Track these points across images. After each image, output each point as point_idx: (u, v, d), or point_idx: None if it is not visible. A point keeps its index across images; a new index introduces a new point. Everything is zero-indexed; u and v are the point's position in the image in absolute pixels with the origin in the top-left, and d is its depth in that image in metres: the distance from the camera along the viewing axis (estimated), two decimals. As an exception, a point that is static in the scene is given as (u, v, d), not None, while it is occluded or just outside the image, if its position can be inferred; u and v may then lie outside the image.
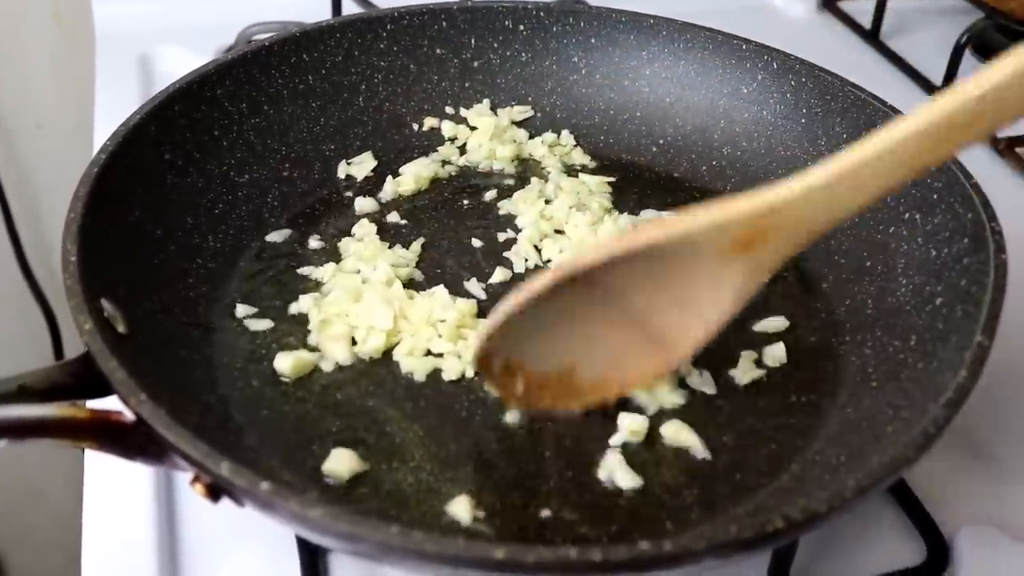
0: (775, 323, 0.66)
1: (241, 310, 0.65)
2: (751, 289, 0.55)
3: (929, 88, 0.99)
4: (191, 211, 0.67)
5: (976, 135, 0.48)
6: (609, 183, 0.77)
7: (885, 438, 0.54)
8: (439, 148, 0.79)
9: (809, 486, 0.55)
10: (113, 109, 0.85)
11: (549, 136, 0.81)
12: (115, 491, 0.59)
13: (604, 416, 0.59)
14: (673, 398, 0.60)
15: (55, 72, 1.17)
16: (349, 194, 0.75)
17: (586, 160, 0.80)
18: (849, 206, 0.51)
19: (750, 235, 0.52)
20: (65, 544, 1.27)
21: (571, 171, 0.78)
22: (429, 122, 0.81)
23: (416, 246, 0.71)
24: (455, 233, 0.72)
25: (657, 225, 0.53)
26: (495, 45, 0.81)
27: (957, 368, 0.51)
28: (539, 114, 0.82)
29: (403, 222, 0.73)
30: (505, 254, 0.71)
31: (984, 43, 1.00)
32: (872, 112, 0.70)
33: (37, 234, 1.25)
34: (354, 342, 0.63)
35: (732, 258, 0.53)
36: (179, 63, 0.93)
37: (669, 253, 0.53)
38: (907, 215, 0.66)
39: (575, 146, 0.80)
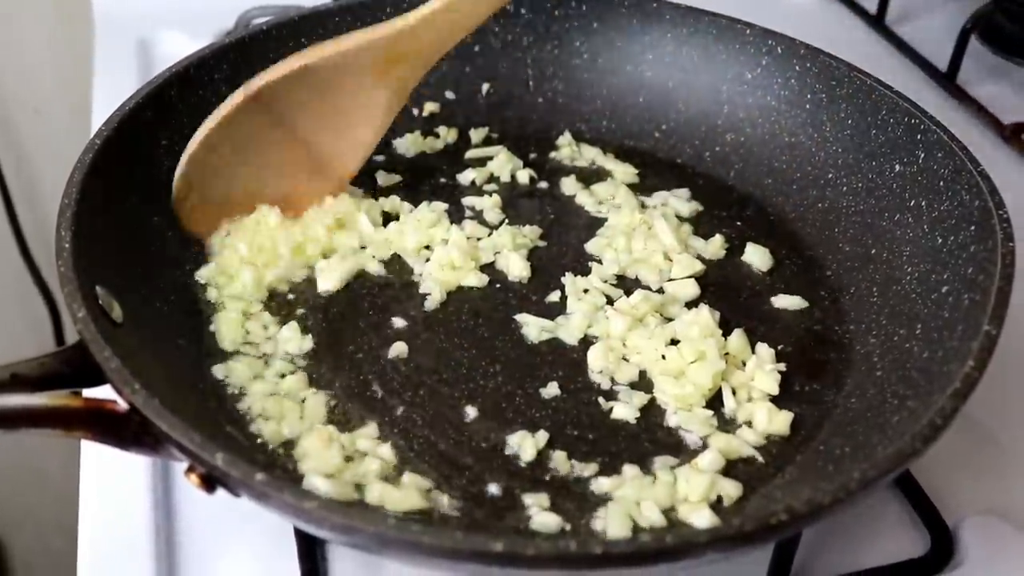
0: (792, 301, 0.67)
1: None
2: (398, 104, 0.69)
3: (935, 74, 0.98)
4: (188, 197, 0.66)
5: None
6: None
7: (891, 428, 0.54)
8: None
9: (813, 477, 0.55)
10: (112, 93, 0.84)
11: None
12: (112, 479, 0.58)
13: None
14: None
15: (53, 57, 1.17)
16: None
17: (595, 153, 0.79)
18: (452, 35, 0.68)
19: (391, 58, 0.66)
20: (65, 527, 1.27)
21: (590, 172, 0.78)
22: (429, 107, 0.80)
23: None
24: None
25: (316, 50, 0.65)
26: (496, 29, 0.80)
27: (964, 358, 0.51)
28: (540, 99, 0.82)
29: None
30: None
31: (990, 28, 0.99)
32: (878, 97, 0.69)
33: (37, 219, 1.25)
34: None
35: (377, 81, 0.67)
36: (178, 47, 0.92)
37: (329, 74, 0.65)
38: (913, 202, 0.65)
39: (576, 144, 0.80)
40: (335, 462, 0.54)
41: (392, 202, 0.72)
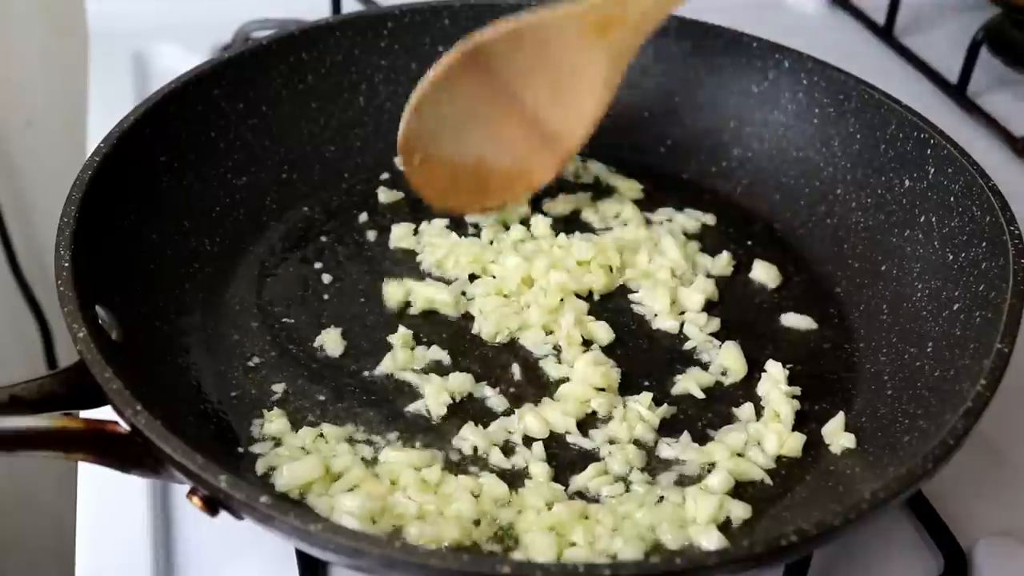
0: (800, 319, 0.66)
1: (238, 317, 0.64)
2: (617, 77, 0.69)
3: (945, 86, 0.97)
4: (187, 214, 0.67)
5: None
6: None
7: (902, 448, 0.54)
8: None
9: (823, 498, 0.54)
10: (107, 108, 0.84)
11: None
12: (110, 504, 0.58)
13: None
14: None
15: (45, 69, 1.16)
16: (349, 196, 0.75)
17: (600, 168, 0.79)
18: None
19: (606, 19, 0.66)
20: (59, 552, 1.26)
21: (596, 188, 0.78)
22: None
23: None
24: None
25: (530, 14, 0.67)
26: (501, 44, 0.80)
27: (976, 377, 0.50)
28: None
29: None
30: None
31: (1001, 39, 0.99)
32: (887, 112, 0.69)
33: (28, 234, 1.24)
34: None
35: (594, 42, 0.67)
36: (175, 61, 0.92)
37: (545, 37, 0.66)
38: (923, 218, 0.65)
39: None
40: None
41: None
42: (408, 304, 0.67)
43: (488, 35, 0.66)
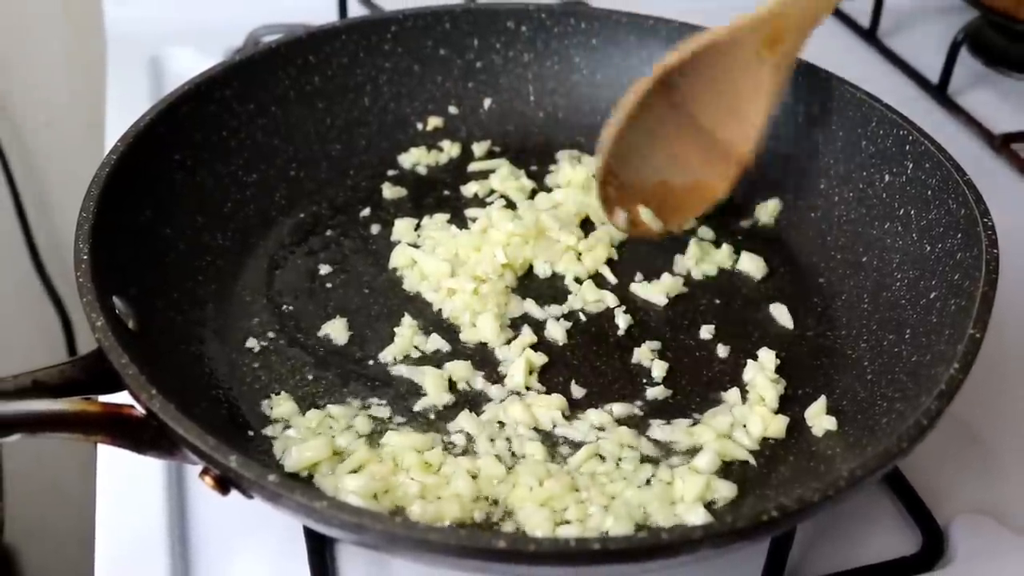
0: (785, 308, 0.68)
1: (249, 307, 0.66)
2: (780, 89, 0.70)
3: (927, 86, 0.99)
4: (200, 210, 0.68)
5: None
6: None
7: (880, 429, 0.55)
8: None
9: (805, 477, 0.56)
10: (124, 109, 0.86)
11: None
12: (127, 485, 0.60)
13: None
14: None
15: (65, 71, 1.18)
16: (354, 192, 0.77)
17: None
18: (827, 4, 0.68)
19: (775, 31, 0.68)
20: (80, 536, 1.28)
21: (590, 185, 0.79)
22: (433, 122, 0.82)
23: None
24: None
25: (706, 35, 0.68)
26: (498, 46, 0.82)
27: (950, 360, 0.52)
28: (541, 113, 0.83)
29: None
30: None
31: (980, 41, 1.01)
32: (868, 110, 0.70)
33: (49, 231, 1.27)
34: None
35: (764, 58, 0.68)
36: (189, 64, 0.94)
37: (721, 56, 0.68)
38: (902, 211, 0.67)
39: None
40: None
41: None
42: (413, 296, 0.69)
43: (673, 60, 0.68)
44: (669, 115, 0.70)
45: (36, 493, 1.38)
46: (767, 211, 0.75)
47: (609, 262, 0.72)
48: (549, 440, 0.59)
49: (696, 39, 0.68)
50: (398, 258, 0.71)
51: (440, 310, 0.68)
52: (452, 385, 0.62)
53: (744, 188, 0.77)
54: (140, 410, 0.49)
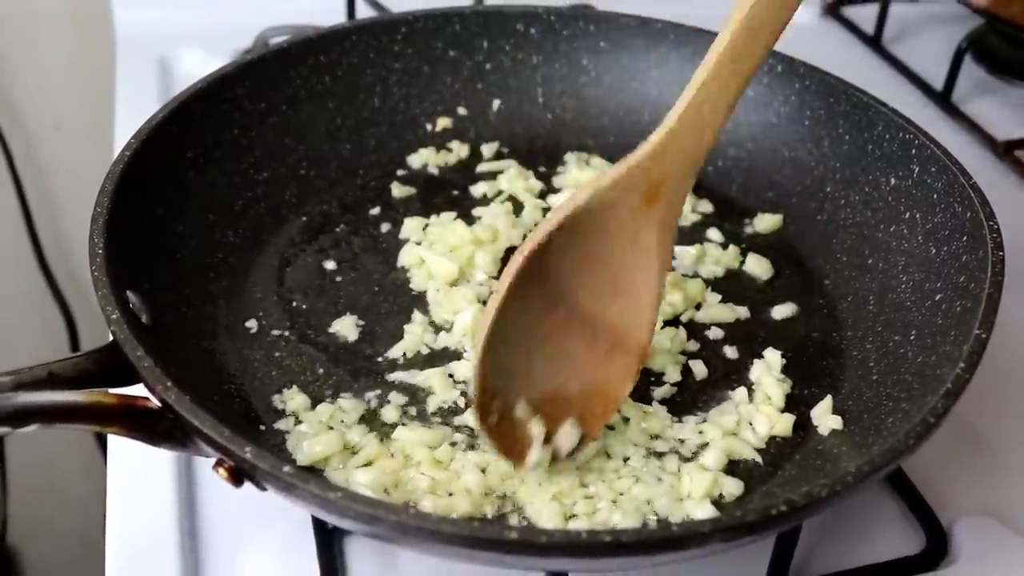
0: (787, 309, 0.69)
1: (260, 304, 0.67)
2: (670, 249, 0.59)
3: (931, 93, 1.00)
4: (211, 207, 0.69)
5: (759, 51, 0.58)
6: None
7: (885, 428, 0.56)
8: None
9: (811, 475, 0.57)
10: (134, 110, 0.87)
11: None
12: (138, 480, 0.60)
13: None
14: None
15: (72, 74, 1.19)
16: (363, 192, 0.78)
17: (602, 167, 0.81)
18: (706, 136, 0.58)
19: (653, 184, 0.57)
20: (83, 536, 1.28)
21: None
22: (442, 123, 0.83)
23: None
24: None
25: (569, 201, 0.56)
26: (507, 48, 0.83)
27: (956, 361, 0.52)
28: (549, 115, 0.84)
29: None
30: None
31: (984, 48, 1.02)
32: (874, 114, 0.71)
33: (55, 233, 1.27)
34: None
35: (644, 215, 0.57)
36: (198, 65, 0.95)
37: (594, 222, 0.56)
38: (907, 214, 0.67)
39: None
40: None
41: None
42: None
43: (536, 241, 0.54)
44: (545, 309, 0.56)
45: (38, 493, 1.38)
46: (766, 223, 0.76)
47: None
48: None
49: (560, 210, 0.55)
50: (406, 257, 0.71)
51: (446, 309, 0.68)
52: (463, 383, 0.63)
53: (751, 192, 0.78)
54: (155, 402, 0.50)
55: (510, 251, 0.73)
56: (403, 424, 0.60)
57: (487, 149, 0.82)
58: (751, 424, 0.61)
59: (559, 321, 0.57)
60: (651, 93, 0.82)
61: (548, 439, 0.56)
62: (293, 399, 0.60)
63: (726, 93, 0.58)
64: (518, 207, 0.77)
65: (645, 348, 0.59)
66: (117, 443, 0.62)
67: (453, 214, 0.75)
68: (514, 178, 0.79)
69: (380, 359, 0.64)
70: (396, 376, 0.63)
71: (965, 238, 0.61)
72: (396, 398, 0.61)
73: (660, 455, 0.59)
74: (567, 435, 0.57)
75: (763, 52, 0.58)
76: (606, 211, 0.56)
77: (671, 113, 0.58)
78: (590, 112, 0.83)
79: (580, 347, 0.58)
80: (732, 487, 0.57)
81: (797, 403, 0.62)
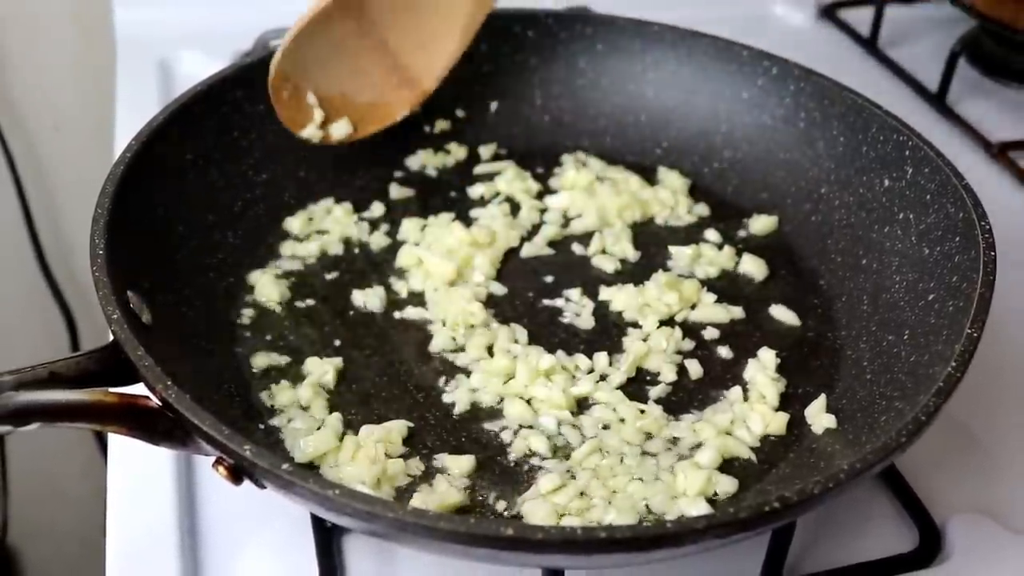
0: (781, 312, 0.69)
1: (259, 304, 0.68)
2: (476, 22, 0.72)
3: (925, 94, 1.00)
4: (211, 208, 0.70)
5: None
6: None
7: (879, 427, 0.56)
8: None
9: (805, 472, 0.57)
10: (134, 111, 0.87)
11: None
12: (137, 480, 0.61)
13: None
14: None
15: (73, 75, 1.19)
16: (362, 193, 0.78)
17: (599, 168, 0.82)
18: None
19: None
20: (81, 537, 1.29)
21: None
22: (440, 124, 0.83)
23: None
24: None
25: None
26: (505, 50, 0.83)
27: (948, 359, 0.53)
28: (546, 117, 0.84)
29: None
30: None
31: (977, 51, 1.02)
32: (868, 116, 0.71)
33: (55, 234, 1.28)
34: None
35: None
36: (198, 68, 0.95)
37: None
38: (901, 215, 0.68)
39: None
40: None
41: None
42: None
43: None
44: (354, 34, 0.71)
45: (38, 494, 1.38)
46: (761, 224, 0.76)
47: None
48: (554, 435, 0.60)
49: None
50: (405, 258, 0.72)
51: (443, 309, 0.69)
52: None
53: (747, 193, 0.78)
54: (155, 401, 0.50)
55: (508, 252, 0.74)
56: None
57: (485, 151, 0.83)
58: (746, 423, 0.61)
59: (367, 47, 0.72)
60: (647, 95, 0.83)
61: (325, 125, 0.73)
62: (286, 394, 0.61)
63: None
64: (515, 208, 0.78)
65: (427, 91, 0.76)
66: (117, 443, 0.62)
67: (451, 215, 0.76)
68: (512, 179, 0.80)
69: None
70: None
71: (958, 238, 0.62)
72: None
73: (655, 454, 0.59)
74: (340, 127, 0.74)
75: None
76: None
77: None
78: (587, 114, 0.84)
79: (377, 71, 0.74)
80: (727, 485, 0.57)
81: (791, 402, 0.63)
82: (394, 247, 0.73)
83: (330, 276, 0.71)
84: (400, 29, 0.73)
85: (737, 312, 0.69)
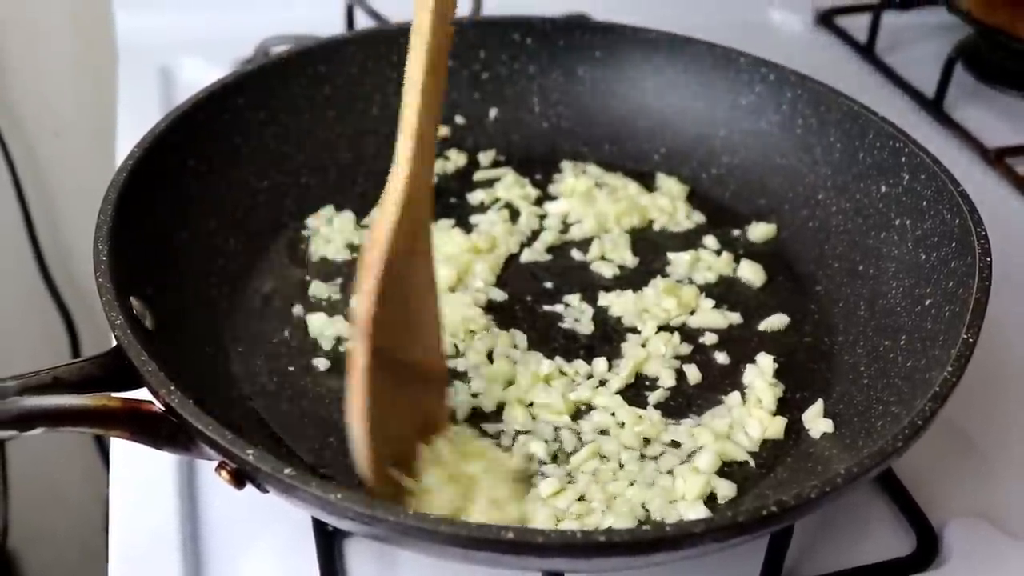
0: (778, 320, 0.69)
1: (261, 309, 0.68)
2: (435, 276, 0.60)
3: (922, 101, 1.01)
4: (213, 215, 0.70)
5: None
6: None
7: (875, 432, 0.57)
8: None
9: (803, 477, 0.57)
10: (135, 118, 0.88)
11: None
12: (140, 484, 0.61)
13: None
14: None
15: (73, 81, 1.19)
16: (363, 199, 0.78)
17: (598, 175, 0.82)
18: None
19: (413, 217, 0.58)
20: (81, 542, 1.29)
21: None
22: (440, 131, 0.83)
23: None
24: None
25: (369, 260, 0.55)
26: (504, 57, 0.84)
27: (944, 364, 0.53)
28: (545, 123, 0.85)
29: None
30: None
31: (974, 57, 1.03)
32: (865, 122, 0.72)
33: (56, 240, 1.28)
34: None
35: (413, 254, 0.58)
36: (199, 74, 0.95)
37: (392, 271, 0.55)
38: (898, 221, 0.68)
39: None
40: None
41: None
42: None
43: (368, 299, 0.54)
44: (379, 368, 0.54)
45: (38, 499, 1.38)
46: (759, 231, 0.77)
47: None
48: (553, 439, 0.61)
49: (368, 269, 0.55)
50: None
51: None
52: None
53: (744, 199, 0.79)
54: (158, 406, 0.50)
55: (508, 258, 0.74)
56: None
57: (484, 157, 0.83)
58: (744, 427, 0.61)
59: (387, 379, 0.55)
60: (645, 101, 0.83)
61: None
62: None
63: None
64: (515, 214, 0.78)
65: (445, 369, 0.62)
66: (119, 447, 0.63)
67: (451, 222, 0.76)
68: (511, 186, 0.80)
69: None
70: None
71: (954, 244, 0.62)
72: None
73: (654, 458, 0.59)
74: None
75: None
76: (395, 260, 0.56)
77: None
78: (586, 120, 0.84)
79: (405, 394, 0.58)
80: (725, 489, 0.58)
81: (789, 407, 0.63)
82: (394, 253, 0.74)
83: (331, 283, 0.71)
84: (395, 336, 0.56)
85: (735, 318, 0.70)
